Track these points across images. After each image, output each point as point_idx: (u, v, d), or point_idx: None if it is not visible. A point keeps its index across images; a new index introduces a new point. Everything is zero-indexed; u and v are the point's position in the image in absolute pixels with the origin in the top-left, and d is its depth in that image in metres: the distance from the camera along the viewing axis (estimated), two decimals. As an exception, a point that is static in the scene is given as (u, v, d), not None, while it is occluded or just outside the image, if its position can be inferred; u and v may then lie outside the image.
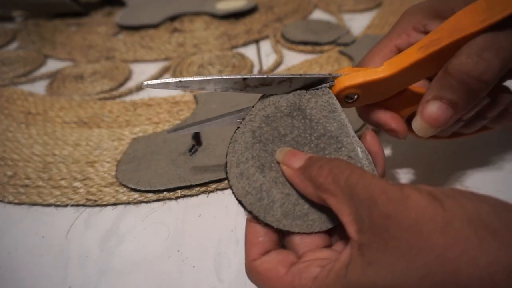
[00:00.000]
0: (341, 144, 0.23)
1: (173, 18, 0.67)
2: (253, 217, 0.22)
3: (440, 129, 0.23)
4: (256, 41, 0.59)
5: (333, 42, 0.54)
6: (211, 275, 0.26)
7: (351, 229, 0.18)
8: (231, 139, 0.23)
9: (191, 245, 0.28)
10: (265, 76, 0.22)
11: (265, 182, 0.22)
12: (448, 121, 0.22)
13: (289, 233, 0.22)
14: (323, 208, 0.21)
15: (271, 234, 0.22)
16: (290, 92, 0.24)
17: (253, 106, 0.24)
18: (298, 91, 0.24)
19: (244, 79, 0.22)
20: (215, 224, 0.29)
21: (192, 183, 0.32)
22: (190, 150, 0.36)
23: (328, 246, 0.22)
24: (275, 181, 0.22)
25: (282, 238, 0.23)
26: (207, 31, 0.62)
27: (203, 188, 0.32)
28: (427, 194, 0.16)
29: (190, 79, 0.22)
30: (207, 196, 0.32)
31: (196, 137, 0.37)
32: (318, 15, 0.66)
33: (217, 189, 0.32)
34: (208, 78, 0.22)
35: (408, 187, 0.17)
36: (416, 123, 0.23)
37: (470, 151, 0.33)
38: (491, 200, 0.16)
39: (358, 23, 0.60)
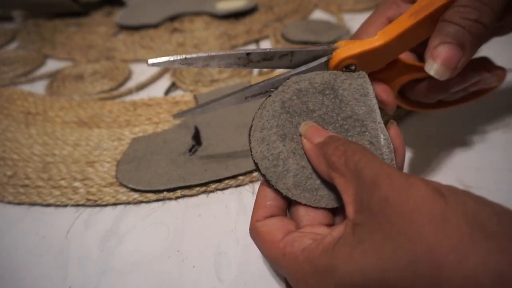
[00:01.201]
0: (366, 128, 0.23)
1: (173, 18, 0.67)
2: (265, 181, 0.23)
3: (455, 71, 0.23)
4: (256, 41, 0.59)
5: (333, 42, 0.54)
6: (211, 275, 0.26)
7: (350, 209, 0.18)
8: (261, 105, 0.24)
9: (191, 245, 0.28)
10: (267, 50, 0.23)
11: (283, 151, 0.23)
12: (459, 62, 0.23)
13: (295, 203, 0.23)
14: (334, 187, 0.22)
15: (279, 200, 0.23)
16: (326, 70, 0.25)
17: (287, 78, 0.25)
18: (335, 71, 0.25)
19: (248, 54, 0.23)
20: (215, 224, 0.29)
21: (192, 183, 0.32)
22: (190, 150, 0.35)
23: (330, 225, 0.23)
24: (294, 152, 0.23)
25: (289, 208, 0.24)
26: (207, 31, 0.62)
27: (203, 188, 0.32)
28: (433, 187, 0.16)
29: (195, 55, 0.22)
30: (207, 196, 0.32)
31: (196, 137, 0.37)
32: (318, 15, 0.66)
33: (217, 189, 0.32)
34: (212, 54, 0.22)
35: (415, 178, 0.17)
36: (431, 66, 0.23)
37: (467, 147, 0.33)
38: (496, 206, 0.16)
39: (358, 23, 0.59)
